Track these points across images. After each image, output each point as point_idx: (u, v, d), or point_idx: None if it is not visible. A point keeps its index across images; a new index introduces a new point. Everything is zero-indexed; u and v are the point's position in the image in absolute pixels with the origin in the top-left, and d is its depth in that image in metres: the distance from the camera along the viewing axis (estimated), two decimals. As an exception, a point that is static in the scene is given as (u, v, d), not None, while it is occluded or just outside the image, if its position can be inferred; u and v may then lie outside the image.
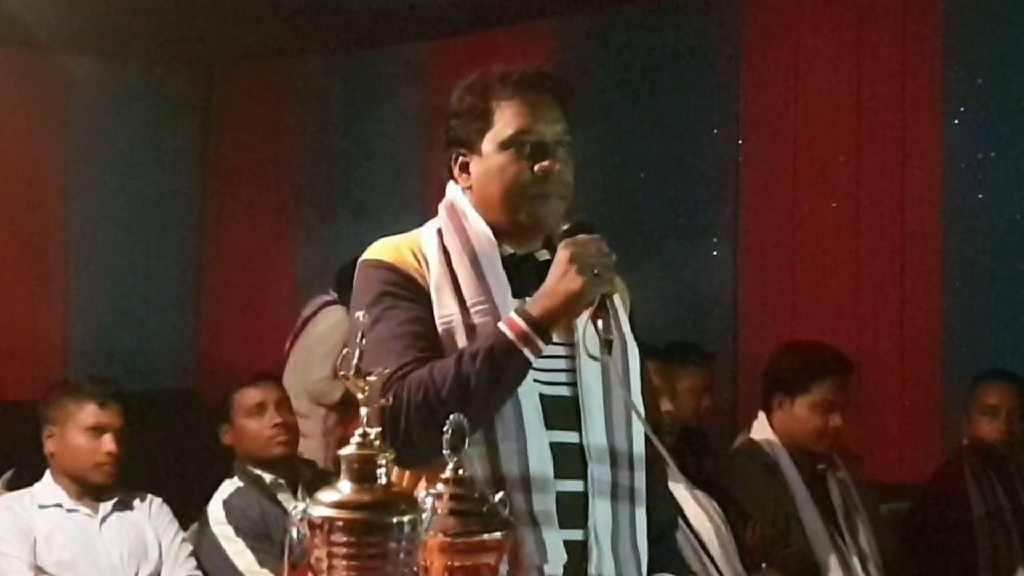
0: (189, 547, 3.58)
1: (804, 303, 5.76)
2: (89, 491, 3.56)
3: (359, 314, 1.87)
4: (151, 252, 8.02)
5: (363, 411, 1.71)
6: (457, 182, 2.40)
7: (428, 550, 1.73)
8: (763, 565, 3.49)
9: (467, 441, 1.81)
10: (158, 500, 3.66)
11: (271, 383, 3.90)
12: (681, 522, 3.43)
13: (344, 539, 1.65)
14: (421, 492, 1.77)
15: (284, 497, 3.74)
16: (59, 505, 3.50)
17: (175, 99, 8.21)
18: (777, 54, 5.92)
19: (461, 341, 2.23)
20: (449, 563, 1.77)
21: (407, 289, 2.28)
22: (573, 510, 2.24)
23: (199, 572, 3.51)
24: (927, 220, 5.48)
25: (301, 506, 1.65)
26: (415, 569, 1.69)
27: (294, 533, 1.64)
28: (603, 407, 2.31)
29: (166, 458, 5.34)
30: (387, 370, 2.12)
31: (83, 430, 3.53)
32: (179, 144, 8.22)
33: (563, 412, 2.28)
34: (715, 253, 6.12)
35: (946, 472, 4.21)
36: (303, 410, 6.08)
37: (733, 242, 6.05)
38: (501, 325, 2.19)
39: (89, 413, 3.54)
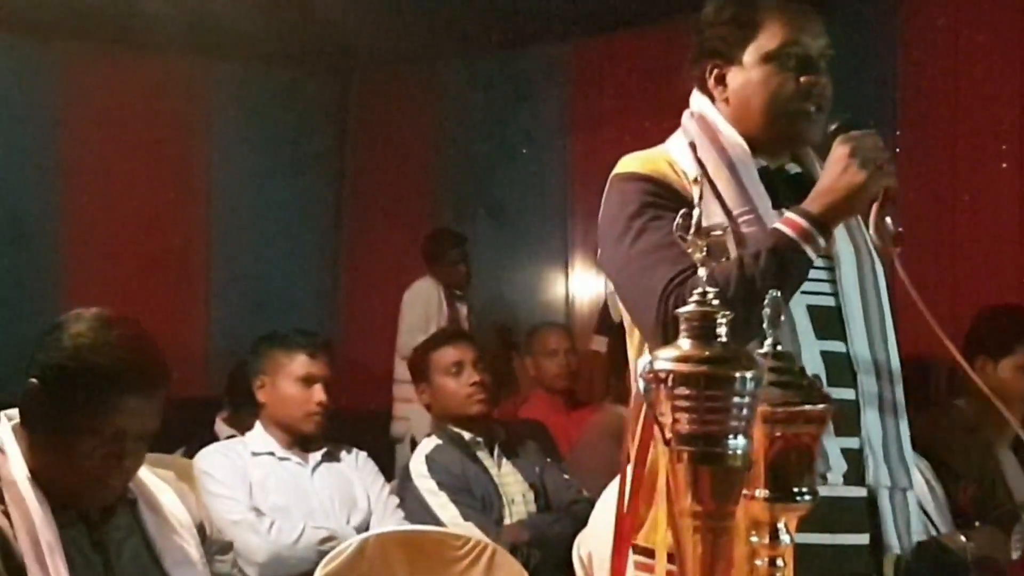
0: (396, 499, 3.61)
1: (964, 299, 5.66)
2: (298, 440, 3.60)
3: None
4: (291, 254, 8.14)
5: (701, 271, 1.70)
6: (709, 94, 2.35)
7: (750, 420, 1.72)
8: (976, 523, 3.42)
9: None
10: (363, 454, 3.69)
11: (467, 342, 3.92)
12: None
13: (687, 392, 1.64)
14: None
15: (482, 455, 3.76)
16: (271, 453, 3.55)
17: (313, 104, 8.34)
18: (936, 43, 5.86)
19: (732, 249, 2.19)
20: (771, 432, 1.76)
21: (669, 199, 2.23)
22: (847, 418, 2.22)
23: (408, 522, 3.52)
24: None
25: (646, 359, 1.64)
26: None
27: (640, 386, 1.63)
28: (863, 317, 2.29)
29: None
30: (666, 277, 2.14)
31: (295, 380, 3.58)
32: (317, 149, 8.35)
33: (829, 322, 2.26)
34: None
35: None
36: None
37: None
38: (779, 225, 2.16)
39: (301, 364, 3.59)
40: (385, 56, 7.87)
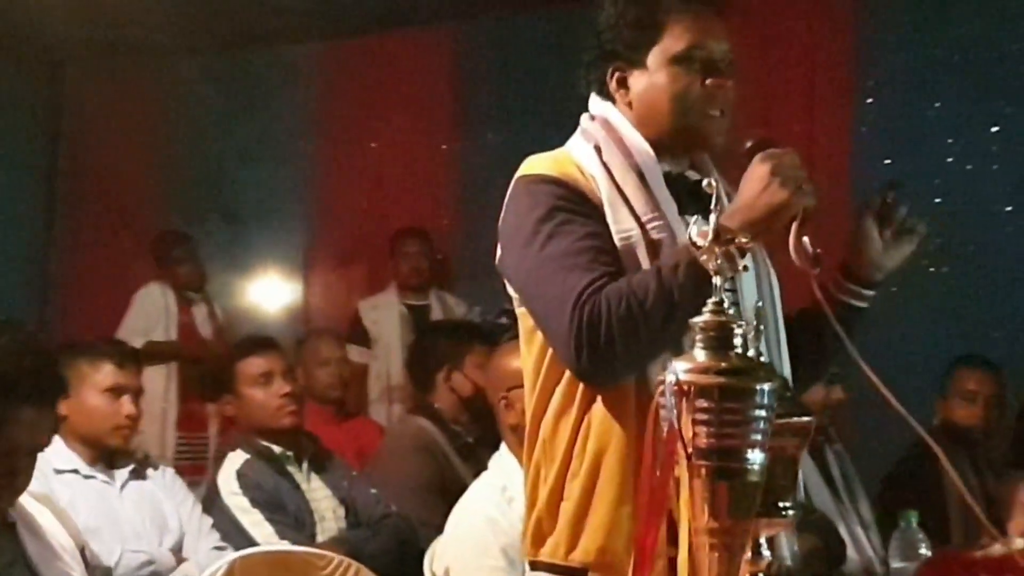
0: (210, 519, 3.39)
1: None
2: (103, 456, 3.35)
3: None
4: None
5: (716, 280, 1.65)
6: (610, 97, 2.31)
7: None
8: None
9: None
10: (170, 470, 3.48)
11: (275, 352, 3.73)
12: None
13: (704, 404, 1.59)
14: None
15: (292, 469, 3.59)
16: (75, 471, 3.27)
17: (21, 97, 7.80)
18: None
19: (642, 256, 2.16)
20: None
21: (579, 204, 2.18)
22: None
23: (225, 544, 3.31)
24: (836, 203, 5.62)
25: (670, 373, 1.58)
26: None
27: (668, 400, 1.56)
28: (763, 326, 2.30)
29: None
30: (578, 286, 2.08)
31: (101, 391, 3.33)
32: (27, 145, 7.81)
33: None
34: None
35: (916, 451, 4.30)
36: None
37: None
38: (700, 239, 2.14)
39: (107, 374, 3.34)
40: (102, 48, 7.40)
